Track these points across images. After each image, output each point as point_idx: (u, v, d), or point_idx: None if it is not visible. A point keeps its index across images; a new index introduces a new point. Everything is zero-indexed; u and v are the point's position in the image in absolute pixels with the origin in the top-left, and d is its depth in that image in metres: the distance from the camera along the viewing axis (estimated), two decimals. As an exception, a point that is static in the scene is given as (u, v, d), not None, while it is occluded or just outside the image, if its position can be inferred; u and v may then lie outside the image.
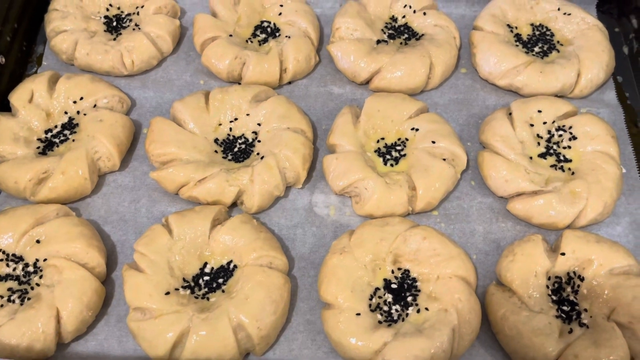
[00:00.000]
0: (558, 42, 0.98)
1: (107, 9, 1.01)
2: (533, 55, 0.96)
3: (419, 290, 0.76)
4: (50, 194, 0.83)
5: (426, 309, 0.75)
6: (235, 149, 0.88)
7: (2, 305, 0.74)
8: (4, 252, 0.78)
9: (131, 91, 0.96)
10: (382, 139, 0.89)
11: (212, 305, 0.74)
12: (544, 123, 0.88)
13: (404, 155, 0.87)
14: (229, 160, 0.87)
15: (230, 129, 0.89)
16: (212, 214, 0.79)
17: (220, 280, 0.77)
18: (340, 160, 0.85)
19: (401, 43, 0.98)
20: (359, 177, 0.83)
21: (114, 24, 1.00)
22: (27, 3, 1.01)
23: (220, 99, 0.90)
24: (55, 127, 0.89)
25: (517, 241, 0.81)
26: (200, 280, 0.77)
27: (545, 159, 0.86)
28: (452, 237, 0.83)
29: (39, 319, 0.72)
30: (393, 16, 1.01)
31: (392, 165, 0.86)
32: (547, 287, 0.77)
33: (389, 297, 0.76)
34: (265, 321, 0.73)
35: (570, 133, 0.87)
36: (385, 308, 0.75)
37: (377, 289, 0.76)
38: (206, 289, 0.76)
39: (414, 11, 1.00)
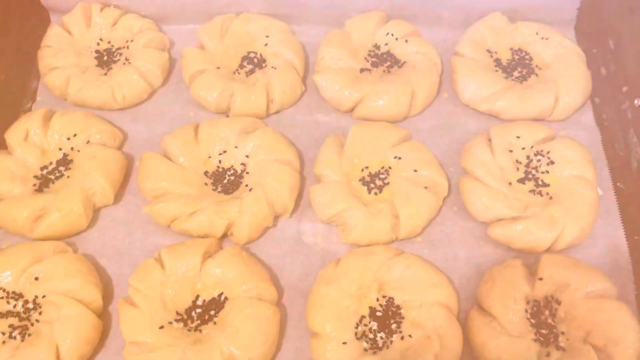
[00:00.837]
0: (537, 66, 1.01)
1: (98, 44, 1.04)
2: (512, 80, 0.99)
3: (403, 317, 0.80)
4: (47, 231, 0.86)
5: (409, 336, 0.78)
6: (225, 181, 0.91)
7: (4, 342, 0.78)
8: (4, 290, 0.81)
9: (123, 125, 0.99)
10: (367, 167, 0.92)
11: (205, 337, 0.78)
12: (523, 149, 0.91)
13: (387, 183, 0.90)
14: (219, 192, 0.90)
15: (220, 161, 0.93)
16: (202, 249, 0.83)
17: (212, 312, 0.80)
18: (325, 190, 0.88)
19: (384, 70, 1.01)
20: (343, 208, 0.86)
21: (105, 58, 1.03)
22: (21, 41, 1.04)
23: (209, 132, 0.93)
24: (51, 163, 0.92)
25: (497, 266, 0.84)
26: (193, 313, 0.80)
27: (524, 184, 0.89)
28: (435, 262, 0.86)
29: (39, 356, 0.75)
30: (376, 44, 1.04)
31: (376, 193, 0.90)
32: (526, 311, 0.80)
33: (374, 325, 0.79)
34: (256, 352, 0.76)
35: (548, 158, 0.90)
36: (371, 336, 0.78)
37: (362, 317, 0.80)
38: (198, 321, 0.80)
39: (396, 38, 1.03)
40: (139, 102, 1.01)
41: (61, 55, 1.01)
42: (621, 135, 0.98)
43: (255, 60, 1.02)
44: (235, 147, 0.93)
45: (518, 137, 0.92)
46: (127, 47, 1.03)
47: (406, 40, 1.02)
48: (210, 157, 0.93)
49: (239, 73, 1.01)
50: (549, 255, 0.84)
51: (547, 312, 0.80)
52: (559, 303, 0.80)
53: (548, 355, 0.76)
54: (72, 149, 0.93)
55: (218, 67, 1.00)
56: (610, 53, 1.03)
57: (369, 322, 0.79)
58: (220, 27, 1.03)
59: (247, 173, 0.91)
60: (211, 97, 0.97)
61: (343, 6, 1.05)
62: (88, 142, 0.93)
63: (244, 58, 1.03)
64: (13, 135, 0.93)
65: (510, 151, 0.91)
